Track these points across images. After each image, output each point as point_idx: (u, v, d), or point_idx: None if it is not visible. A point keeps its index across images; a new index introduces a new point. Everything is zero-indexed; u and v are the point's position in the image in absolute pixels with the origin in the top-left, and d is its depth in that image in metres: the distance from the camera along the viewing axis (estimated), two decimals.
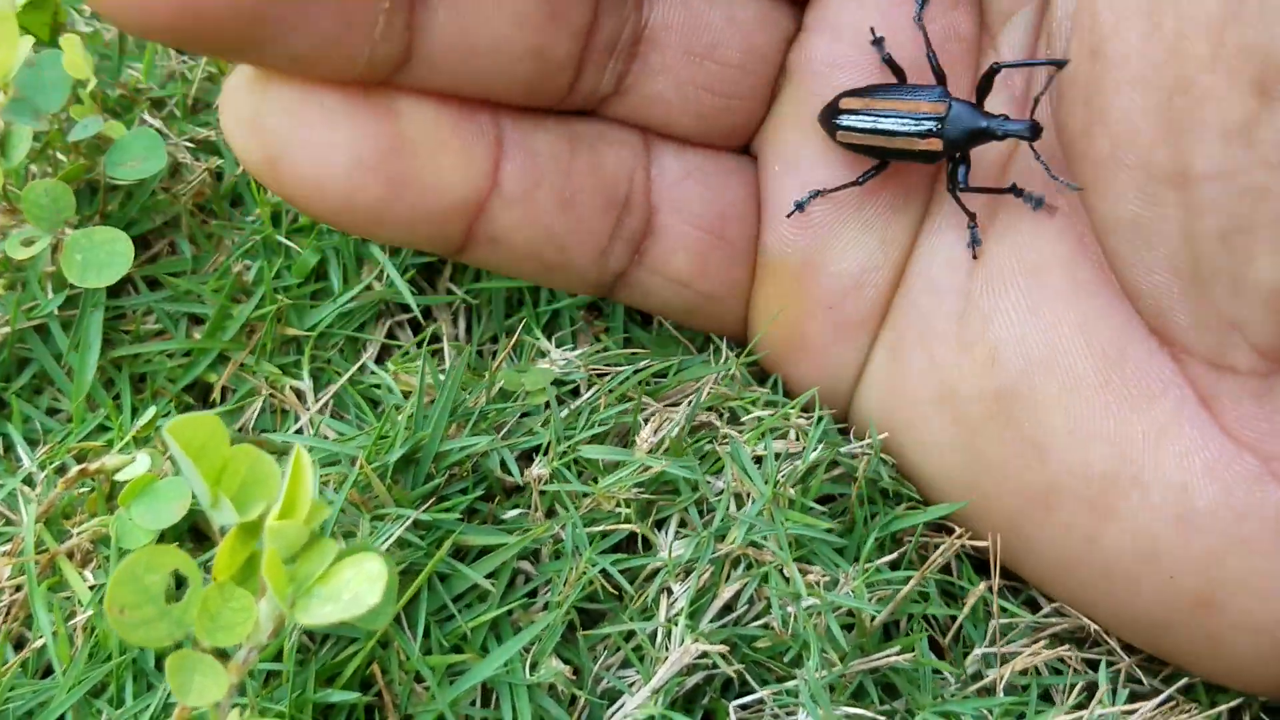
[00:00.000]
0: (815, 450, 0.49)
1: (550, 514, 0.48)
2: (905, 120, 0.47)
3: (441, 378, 0.50)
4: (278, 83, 0.43)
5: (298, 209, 0.46)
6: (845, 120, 0.47)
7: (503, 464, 0.49)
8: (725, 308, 0.53)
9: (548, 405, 0.51)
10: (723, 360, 0.53)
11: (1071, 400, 0.46)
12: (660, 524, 0.48)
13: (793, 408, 0.50)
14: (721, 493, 0.48)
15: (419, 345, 0.55)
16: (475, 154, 0.46)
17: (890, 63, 0.48)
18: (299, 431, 0.52)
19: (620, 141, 0.50)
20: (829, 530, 0.47)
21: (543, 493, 0.48)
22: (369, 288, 0.55)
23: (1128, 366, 0.45)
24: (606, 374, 0.53)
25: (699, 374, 0.52)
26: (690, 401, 0.50)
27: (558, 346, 0.55)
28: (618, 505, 0.47)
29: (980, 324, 0.48)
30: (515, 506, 0.49)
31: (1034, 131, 0.45)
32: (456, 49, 0.44)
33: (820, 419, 0.50)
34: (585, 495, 0.48)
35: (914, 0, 0.49)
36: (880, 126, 0.47)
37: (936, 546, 0.50)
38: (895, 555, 0.48)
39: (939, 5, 0.49)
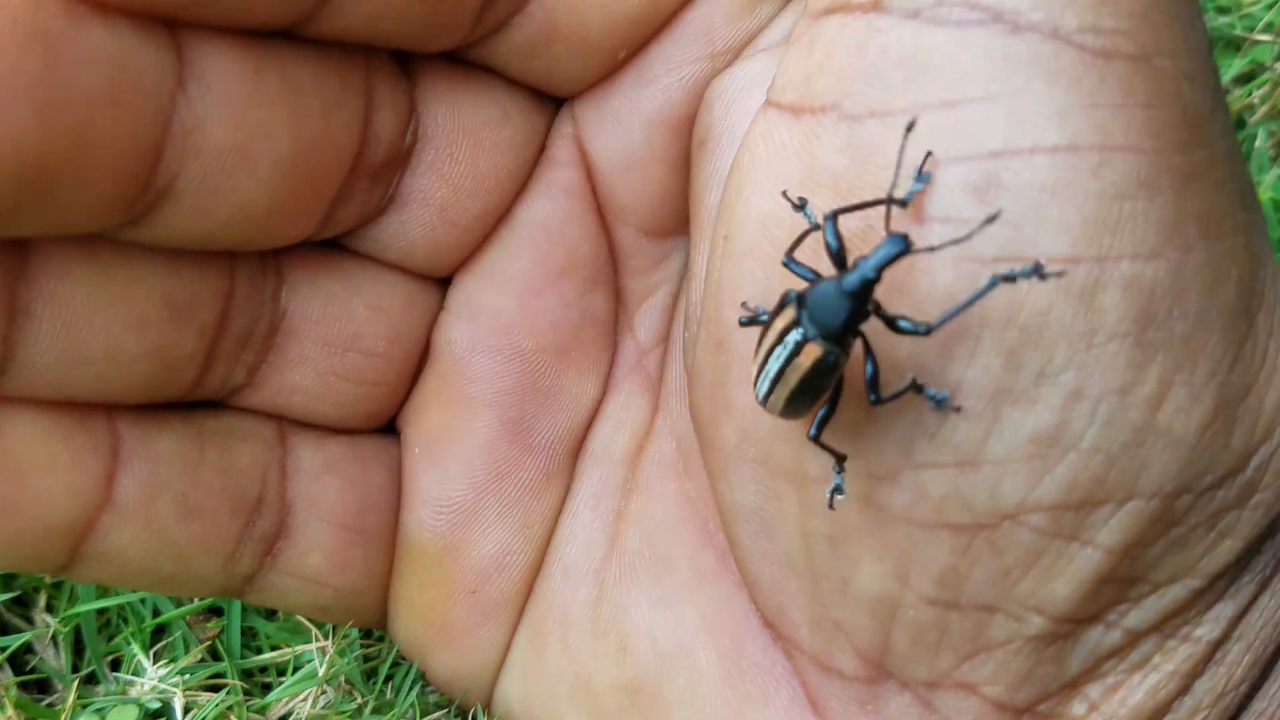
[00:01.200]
0: None
1: None
2: (779, 352, 0.37)
3: None
4: None
5: None
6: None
7: None
8: (365, 600, 0.50)
9: None
10: (325, 671, 0.49)
11: (696, 696, 0.44)
12: None
13: None
14: None
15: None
16: (87, 467, 0.41)
17: None
18: None
19: (254, 435, 0.47)
20: None
21: None
22: None
23: (745, 662, 0.44)
24: (207, 695, 0.49)
25: (306, 684, 0.49)
26: None
27: (157, 662, 0.51)
28: None
29: (613, 612, 0.47)
30: None
31: (905, 244, 0.34)
32: (64, 359, 0.40)
33: None
34: None
35: (552, 287, 0.48)
36: (770, 373, 0.37)
37: None
38: None
39: (575, 289, 0.48)
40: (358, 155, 0.43)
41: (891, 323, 0.35)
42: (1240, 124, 0.76)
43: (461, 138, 0.46)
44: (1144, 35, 0.35)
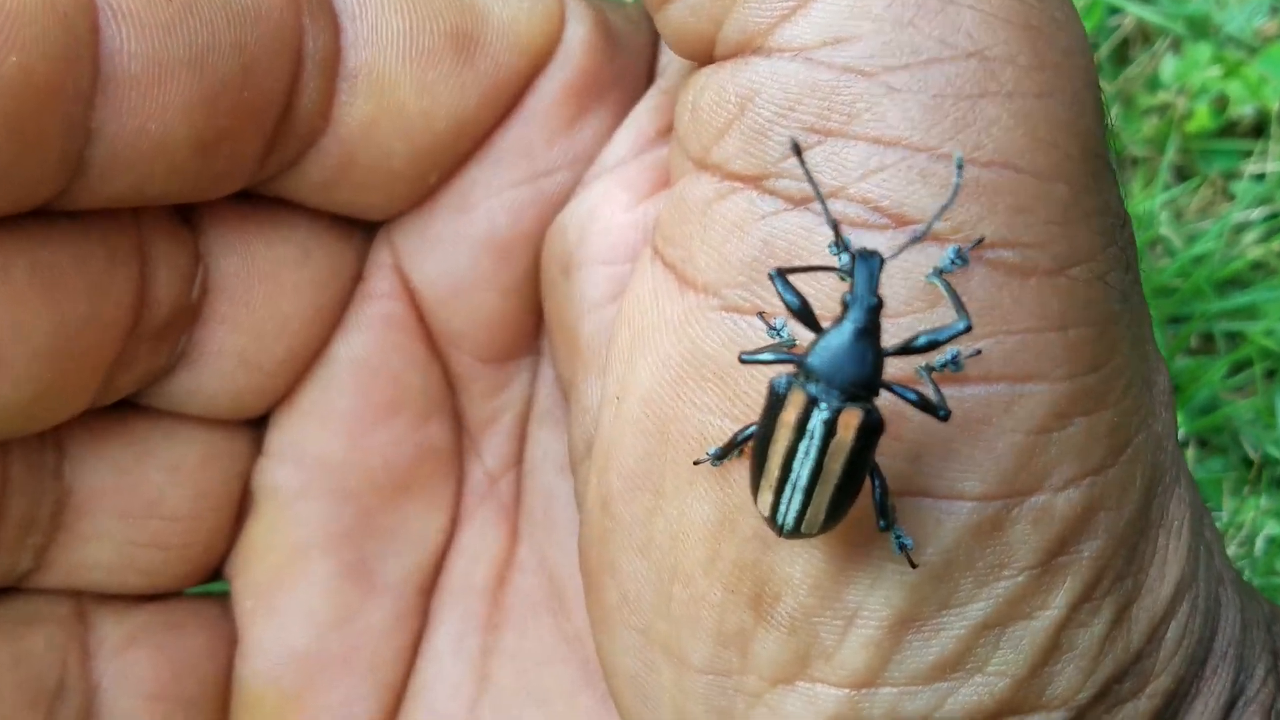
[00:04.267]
0: None
1: None
2: (805, 449, 0.32)
3: None
4: None
5: None
6: None
7: None
8: None
9: None
10: None
11: None
12: None
13: None
14: None
15: None
16: None
17: None
18: None
19: (48, 618, 0.44)
20: None
21: None
22: None
23: None
24: None
25: None
26: None
27: None
28: None
29: None
30: None
31: (879, 255, 0.32)
32: None
33: None
34: None
35: (381, 423, 0.46)
36: (799, 486, 0.32)
37: None
38: None
39: (407, 423, 0.47)
40: (134, 322, 0.40)
41: (910, 349, 0.32)
42: None
43: (257, 284, 0.44)
44: (1061, 245, 0.33)
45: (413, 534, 0.48)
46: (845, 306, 0.31)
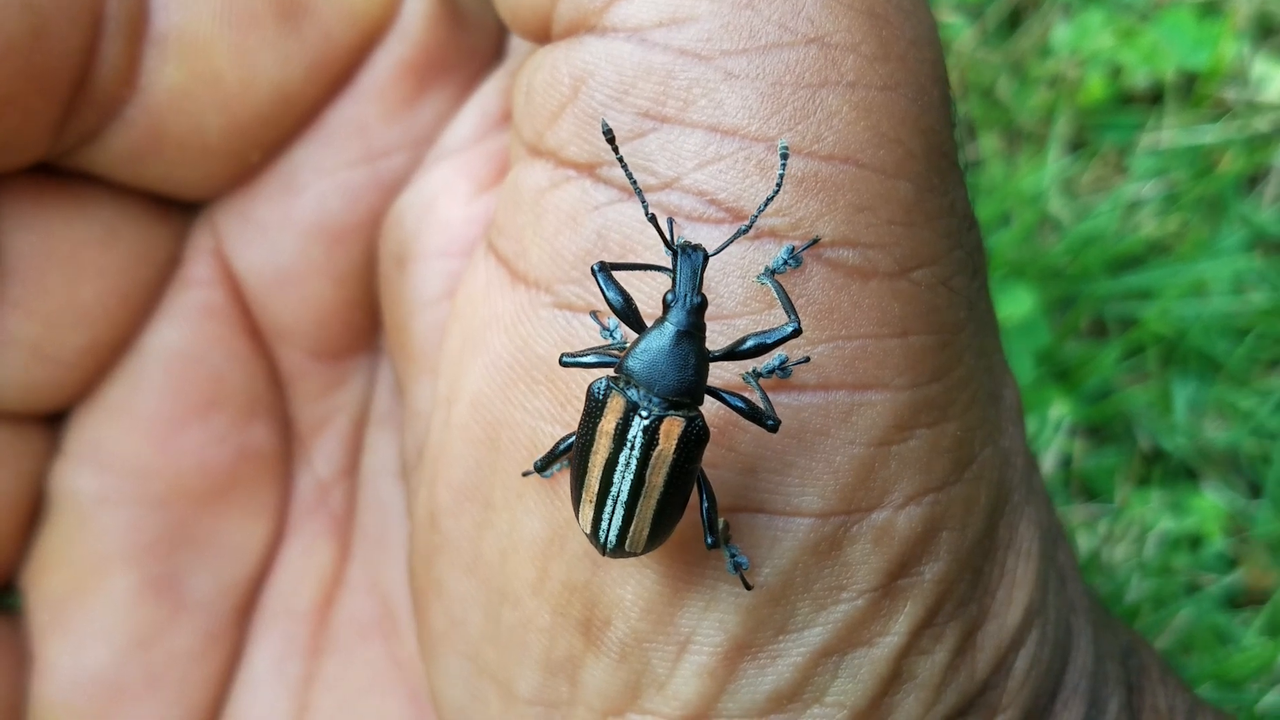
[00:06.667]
0: None
1: None
2: (625, 461, 0.31)
3: None
4: None
5: None
6: None
7: None
8: None
9: None
10: None
11: None
12: None
13: None
14: None
15: None
16: None
17: None
18: None
19: None
20: None
21: None
22: None
23: None
24: None
25: None
26: None
27: None
28: None
29: None
30: None
31: (703, 250, 0.30)
32: None
33: None
34: None
35: (197, 422, 0.43)
36: (620, 499, 0.30)
37: None
38: None
39: (226, 422, 0.43)
40: None
41: (736, 354, 0.31)
42: None
43: (54, 265, 0.40)
44: (903, 246, 0.32)
45: (230, 547, 0.44)
46: (666, 306, 0.30)
